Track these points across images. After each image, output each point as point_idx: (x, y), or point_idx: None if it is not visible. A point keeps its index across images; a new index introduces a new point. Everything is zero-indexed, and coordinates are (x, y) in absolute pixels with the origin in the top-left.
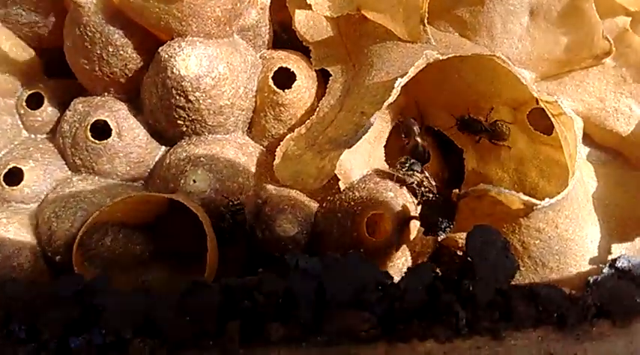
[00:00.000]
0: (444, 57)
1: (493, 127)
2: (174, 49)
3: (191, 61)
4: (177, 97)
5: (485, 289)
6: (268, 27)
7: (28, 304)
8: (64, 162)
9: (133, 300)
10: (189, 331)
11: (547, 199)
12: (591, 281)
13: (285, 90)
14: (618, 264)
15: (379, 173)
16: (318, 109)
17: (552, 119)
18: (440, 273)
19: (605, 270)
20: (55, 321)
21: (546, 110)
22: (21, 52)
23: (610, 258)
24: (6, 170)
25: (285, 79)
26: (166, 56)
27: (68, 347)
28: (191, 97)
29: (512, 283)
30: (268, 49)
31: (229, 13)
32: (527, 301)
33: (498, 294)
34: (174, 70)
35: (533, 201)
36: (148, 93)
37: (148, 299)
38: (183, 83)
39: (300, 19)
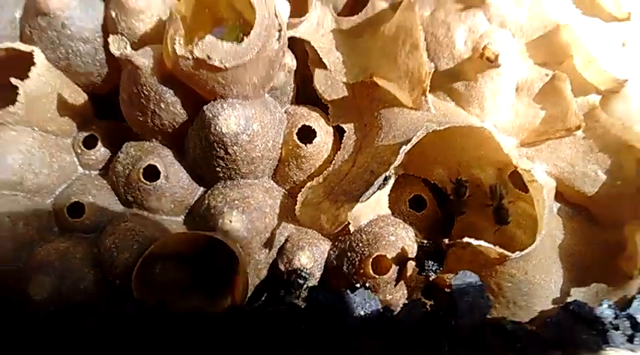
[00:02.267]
0: (442, 128)
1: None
2: (217, 109)
3: (231, 120)
4: (218, 150)
5: (464, 324)
6: (293, 86)
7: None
8: (117, 198)
9: (188, 323)
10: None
11: (518, 252)
12: (550, 320)
13: (307, 145)
14: (571, 307)
15: (384, 219)
16: (333, 162)
17: (527, 184)
18: (429, 308)
19: (561, 311)
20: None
21: (522, 176)
22: (77, 97)
23: (567, 300)
24: (69, 204)
25: (306, 133)
26: (210, 115)
27: None
28: (230, 150)
29: (488, 318)
30: (292, 104)
31: (264, 79)
32: (497, 334)
33: (475, 328)
34: (217, 128)
35: (507, 253)
36: (192, 143)
37: (199, 322)
38: (224, 139)
39: (320, 78)
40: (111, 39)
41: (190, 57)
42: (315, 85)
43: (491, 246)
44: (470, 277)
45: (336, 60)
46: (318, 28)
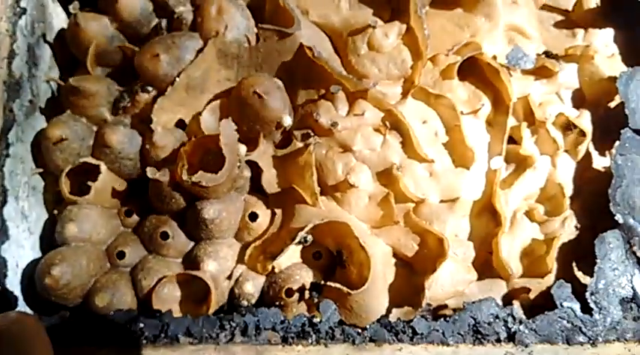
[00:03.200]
0: (322, 221)
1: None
2: (203, 204)
3: (210, 211)
4: (202, 225)
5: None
6: (248, 184)
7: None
8: (143, 247)
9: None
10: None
11: (356, 291)
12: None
13: (253, 223)
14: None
15: (295, 265)
16: (267, 233)
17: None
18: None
19: (382, 320)
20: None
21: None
22: (121, 185)
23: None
24: (117, 251)
25: (254, 214)
26: (199, 207)
27: None
28: (209, 226)
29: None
30: (248, 193)
31: (230, 187)
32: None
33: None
34: (202, 214)
35: (351, 291)
36: (189, 219)
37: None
38: (206, 220)
39: (265, 180)
40: (148, 170)
41: (189, 180)
42: (263, 184)
43: (344, 287)
44: (329, 306)
45: (272, 172)
46: (264, 155)
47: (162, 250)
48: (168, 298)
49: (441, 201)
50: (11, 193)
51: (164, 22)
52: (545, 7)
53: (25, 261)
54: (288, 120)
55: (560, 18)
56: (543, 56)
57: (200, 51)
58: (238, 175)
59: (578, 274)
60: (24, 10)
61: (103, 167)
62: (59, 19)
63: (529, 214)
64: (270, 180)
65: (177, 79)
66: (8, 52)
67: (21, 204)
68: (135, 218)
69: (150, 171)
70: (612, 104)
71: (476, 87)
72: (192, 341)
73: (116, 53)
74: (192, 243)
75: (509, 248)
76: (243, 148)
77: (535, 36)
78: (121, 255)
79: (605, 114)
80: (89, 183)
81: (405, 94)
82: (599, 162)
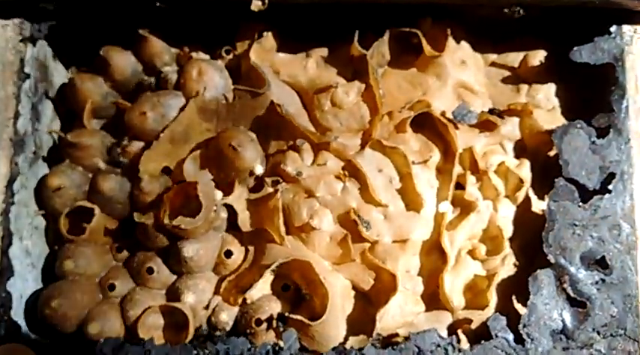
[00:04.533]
0: (288, 259)
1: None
2: (183, 243)
3: (190, 249)
4: (182, 262)
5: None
6: (225, 224)
7: None
8: (132, 280)
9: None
10: None
11: (317, 321)
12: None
13: (228, 259)
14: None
15: (266, 296)
16: (241, 268)
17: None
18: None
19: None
20: None
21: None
22: (113, 224)
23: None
24: (108, 284)
25: (229, 251)
26: (180, 246)
27: None
28: (188, 263)
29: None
30: (225, 232)
31: (208, 227)
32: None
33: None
34: (182, 252)
35: (311, 322)
36: (171, 257)
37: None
38: (186, 258)
39: (241, 220)
40: (135, 215)
41: (170, 224)
42: (239, 224)
43: (304, 318)
44: (291, 335)
45: (246, 214)
46: (239, 199)
47: (148, 283)
48: (152, 326)
49: (394, 241)
50: (16, 235)
51: (152, 80)
52: (493, 64)
53: (29, 291)
54: (259, 169)
55: (507, 74)
56: (487, 113)
57: (182, 108)
58: (215, 217)
59: (518, 307)
60: (27, 75)
61: (97, 210)
62: (60, 76)
63: (472, 253)
64: (244, 221)
65: (161, 133)
66: (14, 112)
67: (25, 242)
68: (125, 253)
69: (136, 216)
70: (551, 153)
71: (428, 139)
72: None
73: (110, 107)
74: (174, 277)
75: (453, 283)
76: (219, 194)
77: (482, 92)
78: (112, 287)
79: (544, 163)
80: (84, 224)
81: (363, 146)
82: (538, 206)
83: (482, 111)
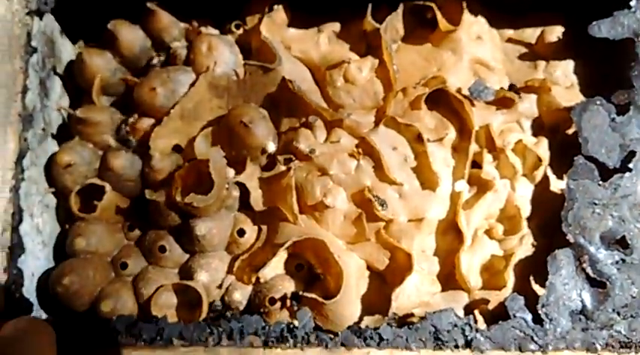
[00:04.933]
0: (301, 238)
1: None
2: (196, 222)
3: (202, 228)
4: (195, 240)
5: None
6: (237, 203)
7: None
8: (144, 258)
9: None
10: None
11: (331, 300)
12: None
13: (241, 238)
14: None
15: (279, 276)
16: (254, 247)
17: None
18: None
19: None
20: None
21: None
22: (124, 202)
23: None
24: (120, 262)
25: (242, 230)
26: (193, 224)
27: None
28: (201, 241)
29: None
30: (237, 211)
31: (220, 206)
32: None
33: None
34: (195, 231)
35: (326, 301)
36: (184, 235)
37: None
38: (198, 236)
39: (253, 199)
40: (146, 192)
41: (183, 201)
42: (251, 203)
43: (319, 297)
44: (305, 313)
45: (259, 192)
46: (251, 177)
47: (160, 262)
48: (165, 304)
49: (409, 221)
50: (26, 212)
51: (161, 56)
52: (510, 41)
53: (40, 270)
54: (271, 147)
55: (524, 50)
56: (506, 90)
57: (192, 84)
58: (227, 195)
59: (535, 287)
60: (35, 49)
61: (108, 187)
62: (67, 52)
63: (489, 232)
64: (256, 200)
65: (172, 110)
66: (22, 87)
67: (36, 220)
68: (137, 232)
69: (148, 193)
70: (570, 131)
71: (442, 116)
72: (185, 344)
73: (119, 84)
74: (187, 256)
75: (470, 263)
76: (231, 172)
77: (498, 68)
78: (124, 265)
79: (563, 141)
80: (95, 202)
81: (377, 123)
82: (556, 185)
83: (501, 88)
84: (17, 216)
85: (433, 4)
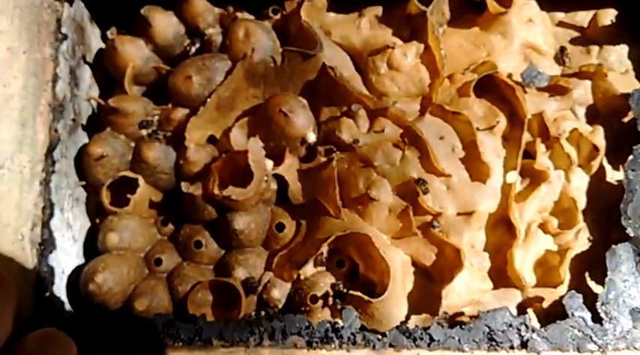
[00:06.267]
0: (344, 233)
1: None
2: (233, 216)
3: (240, 222)
4: (233, 235)
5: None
6: (275, 197)
7: None
8: (178, 254)
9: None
10: None
11: (377, 298)
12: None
13: (280, 233)
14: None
15: (320, 272)
16: (293, 242)
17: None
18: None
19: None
20: None
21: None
22: (158, 196)
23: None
24: (154, 258)
25: (280, 224)
26: (230, 219)
27: None
28: (239, 236)
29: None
30: (275, 205)
31: (257, 199)
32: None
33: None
34: (232, 225)
35: (371, 299)
36: (220, 229)
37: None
38: (236, 231)
39: (292, 192)
40: (182, 184)
41: (220, 194)
42: (289, 196)
43: (364, 295)
44: (351, 313)
45: (298, 185)
46: (290, 169)
47: (195, 258)
48: (202, 303)
49: (458, 214)
50: (57, 206)
51: (196, 43)
52: (561, 24)
53: (70, 267)
54: (312, 137)
55: (575, 35)
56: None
57: (229, 72)
58: (265, 188)
59: (591, 284)
60: (65, 36)
61: (141, 180)
62: (97, 40)
63: (543, 226)
64: (295, 193)
65: (208, 99)
66: (52, 75)
67: (66, 214)
68: (170, 227)
69: (184, 186)
70: (626, 119)
71: (492, 103)
72: (225, 344)
73: (151, 73)
74: (223, 251)
75: (523, 259)
76: (269, 163)
77: (550, 53)
78: (158, 261)
79: (619, 129)
80: (128, 195)
81: (423, 111)
82: (613, 176)
83: (555, 76)
84: (48, 210)
85: None
